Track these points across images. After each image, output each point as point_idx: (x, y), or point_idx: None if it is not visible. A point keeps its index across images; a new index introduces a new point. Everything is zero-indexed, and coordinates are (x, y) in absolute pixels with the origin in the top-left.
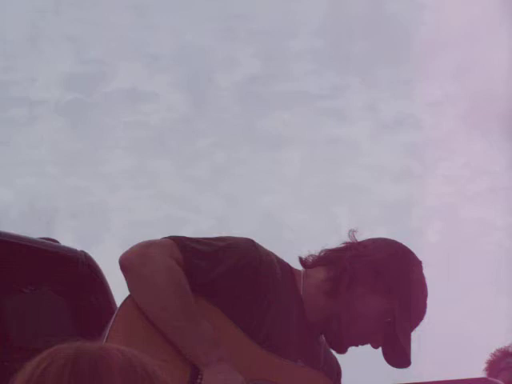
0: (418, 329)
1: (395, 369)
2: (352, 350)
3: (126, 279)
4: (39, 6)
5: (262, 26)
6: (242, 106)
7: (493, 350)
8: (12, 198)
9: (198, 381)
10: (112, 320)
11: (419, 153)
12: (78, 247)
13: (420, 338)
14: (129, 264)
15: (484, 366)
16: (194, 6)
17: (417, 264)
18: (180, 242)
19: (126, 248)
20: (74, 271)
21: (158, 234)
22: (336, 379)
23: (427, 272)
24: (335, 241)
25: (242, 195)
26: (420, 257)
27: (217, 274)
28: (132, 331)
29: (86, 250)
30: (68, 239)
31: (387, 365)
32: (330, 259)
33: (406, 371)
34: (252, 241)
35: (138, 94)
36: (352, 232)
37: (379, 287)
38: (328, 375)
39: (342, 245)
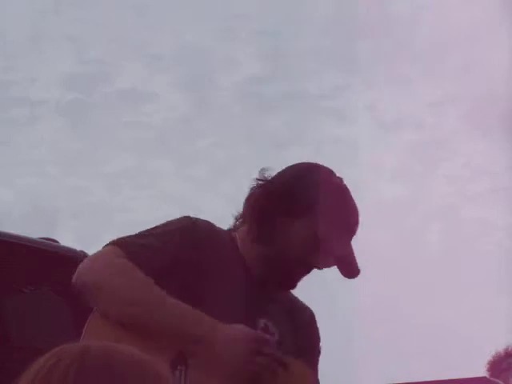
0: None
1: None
2: (352, 350)
3: (88, 296)
4: (40, 6)
5: (263, 27)
6: (242, 106)
7: (493, 350)
8: (12, 198)
9: (178, 374)
10: (82, 335)
11: (420, 153)
12: (78, 247)
13: (420, 338)
14: (83, 282)
15: (486, 366)
16: (195, 6)
17: (324, 173)
18: (120, 243)
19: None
20: (74, 271)
21: None
22: (308, 330)
23: (427, 272)
24: None
25: (242, 195)
26: (420, 257)
27: (162, 260)
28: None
29: (86, 250)
30: (68, 239)
31: (387, 364)
32: (244, 211)
33: (405, 371)
34: (188, 217)
35: (139, 94)
36: (262, 171)
37: (295, 211)
38: (293, 335)
39: (252, 188)
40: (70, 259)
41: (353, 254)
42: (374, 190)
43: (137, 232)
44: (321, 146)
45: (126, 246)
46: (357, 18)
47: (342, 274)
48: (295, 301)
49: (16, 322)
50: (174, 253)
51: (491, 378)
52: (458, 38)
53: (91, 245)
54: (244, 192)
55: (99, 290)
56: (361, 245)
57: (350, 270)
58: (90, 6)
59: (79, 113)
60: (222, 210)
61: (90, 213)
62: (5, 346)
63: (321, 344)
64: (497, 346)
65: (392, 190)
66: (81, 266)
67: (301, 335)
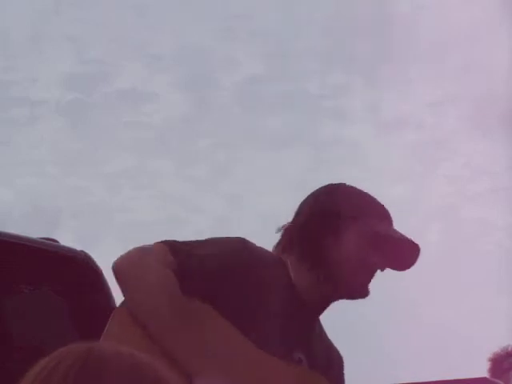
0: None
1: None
2: (352, 350)
3: (121, 287)
4: (40, 6)
5: (263, 26)
6: (242, 106)
7: (494, 351)
8: (12, 198)
9: None
10: (107, 325)
11: (420, 153)
12: (78, 247)
13: (420, 338)
14: (123, 273)
15: (487, 366)
16: (195, 6)
17: (341, 184)
18: (172, 247)
19: (127, 248)
20: (74, 271)
21: (158, 234)
22: (337, 371)
23: (427, 272)
24: None
25: (242, 196)
26: (421, 256)
27: (209, 276)
28: (123, 337)
29: (86, 250)
30: (68, 239)
31: (387, 365)
32: (284, 243)
33: (405, 371)
34: (243, 240)
35: (139, 94)
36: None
37: (333, 228)
38: (325, 370)
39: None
40: (70, 259)
41: (403, 235)
42: (374, 190)
43: (189, 240)
44: (321, 146)
45: (177, 253)
46: (357, 17)
47: (403, 264)
48: (331, 341)
49: (16, 322)
50: (221, 272)
51: (492, 379)
52: (458, 38)
53: (91, 245)
54: (246, 193)
55: (135, 286)
56: None
57: (408, 252)
58: (90, 6)
59: (79, 113)
60: (223, 210)
61: (90, 213)
62: (5, 346)
63: None
64: (497, 346)
65: (392, 189)
66: (126, 253)
67: (331, 376)
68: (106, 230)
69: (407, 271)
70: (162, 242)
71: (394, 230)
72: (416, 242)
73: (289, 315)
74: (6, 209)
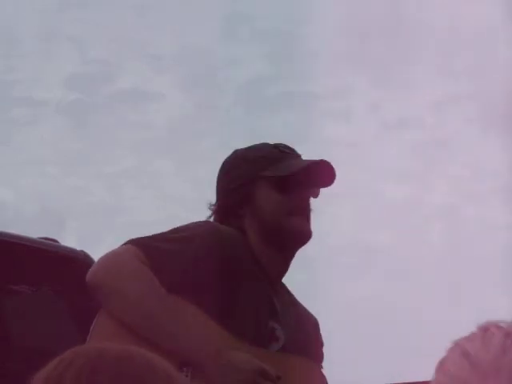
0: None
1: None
2: (352, 350)
3: (101, 297)
4: (42, 6)
5: (266, 27)
6: (245, 106)
7: None
8: (12, 198)
9: (185, 369)
10: (90, 333)
11: (422, 153)
12: (79, 247)
13: (420, 338)
14: (98, 282)
15: None
16: (197, 5)
17: (226, 160)
18: (142, 245)
19: None
20: (74, 271)
21: None
22: (313, 333)
23: (428, 272)
24: (336, 241)
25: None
26: (422, 256)
27: (184, 270)
28: (109, 339)
29: (86, 250)
30: (68, 239)
31: (386, 364)
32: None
33: (405, 371)
34: (208, 222)
35: (141, 95)
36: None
37: (242, 199)
38: (298, 335)
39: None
40: (70, 259)
41: (312, 162)
42: (376, 190)
43: (154, 233)
44: (324, 146)
45: (146, 249)
46: (360, 18)
47: (322, 184)
48: (301, 305)
49: (16, 322)
50: (192, 259)
51: None
52: (461, 39)
53: (91, 245)
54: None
55: (113, 294)
56: (363, 244)
57: (323, 175)
58: (92, 6)
59: (81, 113)
60: None
61: (90, 213)
62: (5, 346)
63: (323, 350)
64: None
65: (394, 189)
66: (96, 263)
67: (306, 340)
68: (106, 229)
69: (407, 271)
70: (129, 241)
71: (297, 162)
72: (316, 160)
73: (259, 289)
74: (7, 209)
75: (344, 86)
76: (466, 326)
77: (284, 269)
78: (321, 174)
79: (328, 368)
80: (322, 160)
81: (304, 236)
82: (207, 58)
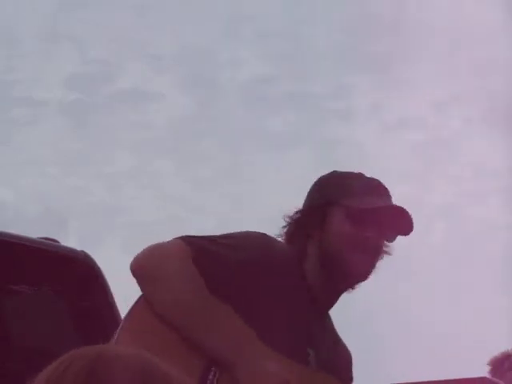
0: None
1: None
2: (352, 350)
3: (142, 286)
4: (42, 6)
5: (267, 27)
6: (246, 106)
7: (495, 350)
8: (12, 198)
9: (211, 376)
10: (124, 319)
11: (422, 153)
12: (79, 247)
13: (421, 338)
14: (143, 272)
15: (487, 366)
16: (198, 5)
17: (323, 177)
18: (191, 243)
19: (127, 248)
20: (74, 271)
21: (159, 234)
22: (345, 366)
23: (429, 272)
24: None
25: (246, 196)
26: (422, 256)
27: (229, 276)
28: (142, 331)
29: (86, 250)
30: (68, 239)
31: (387, 364)
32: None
33: (405, 371)
34: (264, 236)
35: (141, 95)
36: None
37: (319, 219)
38: (332, 365)
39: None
40: (70, 259)
41: (396, 206)
42: None
43: (207, 234)
44: (325, 147)
45: (195, 247)
46: (362, 18)
47: (399, 230)
48: (339, 338)
49: (16, 322)
50: (239, 268)
51: (492, 378)
52: (462, 39)
53: (91, 245)
54: (250, 194)
55: (157, 284)
56: None
57: (402, 222)
58: (92, 6)
59: (81, 113)
60: (226, 210)
61: (90, 213)
62: (5, 346)
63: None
64: (498, 345)
65: (396, 189)
66: (147, 250)
67: (335, 373)
68: (106, 229)
69: (407, 271)
70: (180, 238)
71: (383, 201)
72: (401, 206)
73: (302, 312)
74: (7, 209)
75: (345, 86)
76: (468, 326)
77: (333, 300)
78: (400, 219)
79: None
80: (404, 208)
81: (359, 275)
82: (207, 58)
